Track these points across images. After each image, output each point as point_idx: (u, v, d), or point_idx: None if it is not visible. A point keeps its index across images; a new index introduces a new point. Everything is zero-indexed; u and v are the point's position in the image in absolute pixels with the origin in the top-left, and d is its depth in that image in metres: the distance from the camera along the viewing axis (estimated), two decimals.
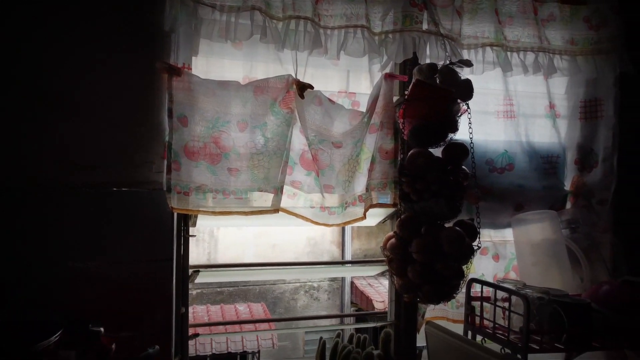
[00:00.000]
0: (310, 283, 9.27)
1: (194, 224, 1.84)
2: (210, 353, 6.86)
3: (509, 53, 1.98)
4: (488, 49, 1.96)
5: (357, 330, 1.92)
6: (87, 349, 1.27)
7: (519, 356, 1.55)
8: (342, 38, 1.78)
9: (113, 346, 1.39)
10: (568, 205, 2.13)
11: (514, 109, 2.07)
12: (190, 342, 1.78)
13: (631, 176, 2.19)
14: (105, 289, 1.62)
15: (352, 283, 9.10)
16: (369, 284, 8.81)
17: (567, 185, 2.16)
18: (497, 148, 2.07)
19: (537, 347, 1.60)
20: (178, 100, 1.64)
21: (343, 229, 9.10)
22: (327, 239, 9.00)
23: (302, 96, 1.71)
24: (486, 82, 2.03)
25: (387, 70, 1.86)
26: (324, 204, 1.83)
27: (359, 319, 5.73)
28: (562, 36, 2.05)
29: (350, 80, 1.95)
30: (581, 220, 2.07)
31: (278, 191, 1.72)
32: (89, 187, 1.63)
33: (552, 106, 2.11)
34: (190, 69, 1.71)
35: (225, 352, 6.98)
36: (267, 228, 8.55)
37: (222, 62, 1.85)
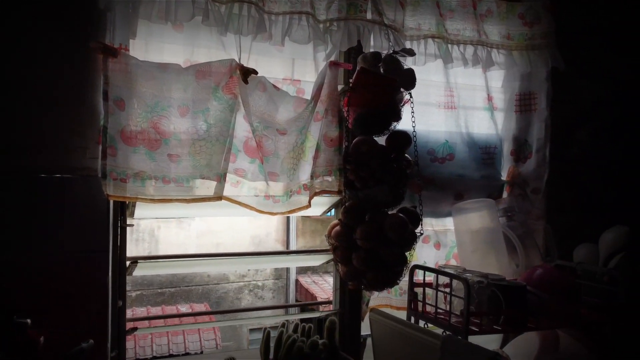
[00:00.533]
0: (254, 282, 9.18)
1: (132, 214, 1.76)
2: (151, 356, 6.64)
3: (449, 45, 2.03)
4: (430, 40, 2.00)
5: (302, 321, 1.90)
6: (11, 341, 1.17)
7: (459, 337, 1.59)
8: (287, 24, 1.76)
9: (41, 339, 1.30)
10: (505, 195, 2.22)
11: (455, 100, 2.12)
12: (130, 345, 1.70)
13: (562, 166, 2.31)
14: (35, 281, 1.52)
15: (296, 281, 9.10)
16: (314, 282, 8.84)
17: (504, 175, 2.24)
18: (438, 138, 2.12)
19: (477, 329, 1.65)
20: (114, 83, 1.56)
21: (287, 226, 9.08)
22: (272, 237, 8.95)
23: (246, 81, 1.67)
24: (428, 74, 2.07)
25: (332, 58, 1.86)
26: (269, 192, 1.80)
27: (303, 309, 5.72)
28: (499, 31, 2.13)
29: (295, 67, 1.94)
30: (517, 208, 2.16)
31: (221, 178, 1.68)
32: (17, 173, 1.52)
33: (490, 98, 2.18)
34: (128, 50, 1.63)
35: (167, 354, 6.77)
36: (210, 227, 8.39)
37: (161, 46, 1.78)
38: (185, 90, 1.64)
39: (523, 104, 2.24)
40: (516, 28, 2.15)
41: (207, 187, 1.70)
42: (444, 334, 1.65)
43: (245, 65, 1.69)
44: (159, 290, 8.32)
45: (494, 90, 2.21)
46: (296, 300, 8.66)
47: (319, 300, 7.28)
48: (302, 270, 9.36)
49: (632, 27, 2.51)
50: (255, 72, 1.68)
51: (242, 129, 1.74)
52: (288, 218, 9.09)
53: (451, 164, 2.13)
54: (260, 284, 9.19)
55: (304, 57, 1.89)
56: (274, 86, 1.76)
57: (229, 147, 1.69)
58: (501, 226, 2.08)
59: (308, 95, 1.84)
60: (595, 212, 2.32)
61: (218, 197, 1.68)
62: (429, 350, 1.54)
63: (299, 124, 1.78)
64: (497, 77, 2.24)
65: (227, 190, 1.72)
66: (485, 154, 2.20)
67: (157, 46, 1.77)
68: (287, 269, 8.96)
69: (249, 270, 8.99)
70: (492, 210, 2.07)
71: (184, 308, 7.88)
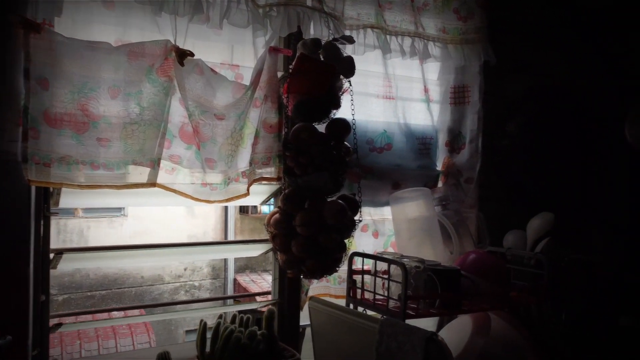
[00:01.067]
0: (191, 282, 8.95)
1: (57, 202, 1.65)
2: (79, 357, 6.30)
3: (388, 36, 2.06)
4: (369, 30, 2.02)
5: (241, 312, 1.86)
6: None
7: (397, 320, 1.61)
8: (225, 7, 1.72)
9: None
10: (440, 184, 2.28)
11: (393, 91, 2.16)
12: (57, 352, 1.59)
13: (493, 157, 2.41)
14: None
15: (234, 280, 8.98)
16: (252, 280, 8.75)
17: (439, 166, 2.31)
18: (377, 128, 2.14)
19: (414, 313, 1.68)
20: (37, 60, 1.45)
21: (225, 225, 8.93)
22: (210, 236, 8.76)
23: (182, 64, 1.61)
24: (367, 64, 2.09)
25: (272, 44, 1.83)
26: (206, 180, 1.74)
27: (241, 301, 5.62)
28: (435, 24, 2.19)
29: (234, 53, 1.89)
30: (451, 197, 2.23)
31: (155, 164, 1.60)
32: None
33: (426, 90, 2.24)
34: (52, 26, 1.52)
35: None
36: (144, 226, 8.08)
37: (90, 25, 1.67)
38: (116, 71, 1.56)
39: (457, 97, 2.31)
40: (451, 22, 2.22)
41: (139, 173, 1.63)
42: (382, 318, 1.66)
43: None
44: (89, 294, 7.92)
45: (431, 82, 2.27)
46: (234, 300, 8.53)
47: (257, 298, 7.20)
48: (240, 269, 9.24)
49: (556, 24, 2.66)
50: (192, 54, 1.62)
51: (177, 114, 1.68)
52: (226, 215, 8.94)
53: (389, 153, 2.16)
54: (197, 284, 8.98)
55: (243, 42, 1.85)
56: (212, 70, 1.71)
57: (163, 132, 1.62)
58: (436, 214, 2.14)
59: (247, 81, 1.80)
60: (523, 200, 2.44)
61: (152, 183, 1.61)
62: (367, 334, 1.55)
63: (238, 110, 1.74)
64: (433, 70, 2.30)
65: (162, 178, 1.65)
66: (421, 144, 2.25)
67: (86, 25, 1.66)
68: (225, 268, 8.81)
69: (185, 269, 8.76)
70: (428, 199, 2.12)
71: (116, 313, 7.56)
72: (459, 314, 1.84)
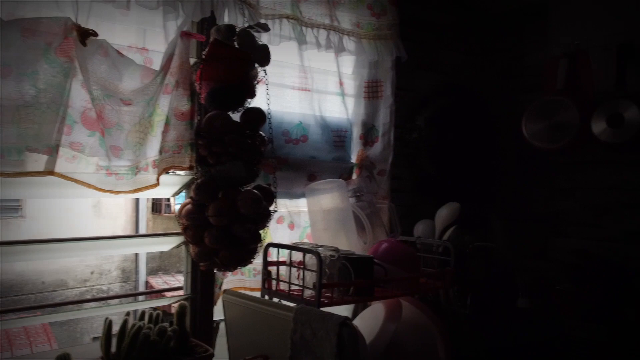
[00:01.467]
0: (98, 286, 8.46)
1: None
2: None
3: (304, 28, 2.07)
4: (285, 21, 2.01)
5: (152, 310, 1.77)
6: None
7: (311, 307, 1.61)
8: None
9: None
10: (354, 176, 2.32)
11: (309, 83, 2.16)
12: None
13: (404, 150, 2.50)
14: None
15: (147, 282, 8.63)
16: (166, 282, 8.46)
17: (354, 158, 2.35)
18: (292, 120, 2.14)
19: (328, 301, 1.69)
20: None
21: (137, 226, 8.55)
22: None
23: (84, 44, 1.50)
24: (283, 55, 2.08)
25: (185, 28, 1.76)
26: (111, 169, 1.64)
27: (152, 297, 5.38)
28: (350, 19, 2.22)
29: (143, 36, 1.80)
30: (365, 189, 2.27)
31: (53, 151, 1.48)
32: None
33: (341, 83, 2.27)
34: None
35: None
36: (45, 227, 7.49)
37: None
38: (7, 48, 1.42)
39: (371, 91, 2.37)
40: (365, 18, 2.27)
41: (35, 160, 1.50)
42: (297, 306, 1.66)
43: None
44: None
45: (345, 76, 2.30)
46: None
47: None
48: (152, 271, 8.89)
49: (459, 25, 2.81)
50: (95, 34, 1.52)
51: (79, 98, 1.56)
52: (137, 215, 8.55)
53: (305, 145, 2.17)
54: (105, 287, 8.50)
55: (153, 25, 1.76)
56: (118, 52, 1.61)
57: (62, 116, 1.50)
58: (351, 206, 2.18)
59: (157, 66, 1.72)
60: (432, 191, 2.55)
61: (49, 172, 1.49)
62: (282, 323, 1.54)
63: (147, 96, 1.65)
64: (348, 64, 2.33)
65: (62, 167, 1.53)
66: (337, 137, 2.28)
67: None
68: (136, 270, 8.43)
69: (92, 273, 8.27)
70: (342, 191, 2.15)
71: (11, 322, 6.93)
72: (372, 300, 1.89)
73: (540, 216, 2.72)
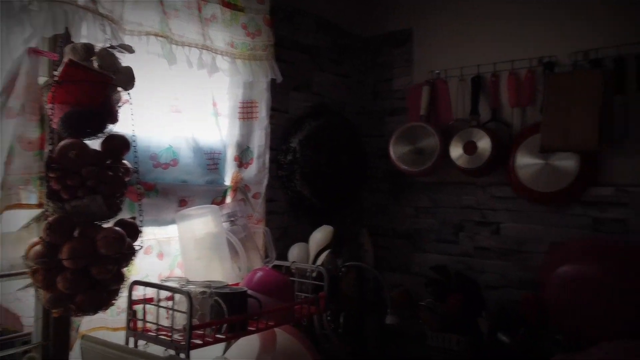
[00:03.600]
0: None
1: None
2: None
3: (174, 46, 1.94)
4: (153, 38, 1.87)
5: None
6: None
7: (182, 355, 1.53)
8: None
9: None
10: (228, 199, 2.25)
11: (180, 104, 2.05)
12: None
13: (279, 172, 2.49)
14: None
15: None
16: (17, 298, 7.52)
17: (228, 181, 2.28)
18: (161, 143, 2.01)
19: (201, 342, 1.62)
20: None
21: None
22: None
23: None
24: (152, 74, 1.94)
25: (33, 44, 1.56)
26: None
27: None
28: (223, 38, 2.14)
29: None
30: (239, 212, 2.22)
31: None
32: None
33: (215, 104, 2.18)
34: None
35: None
36: None
37: None
38: None
39: (245, 112, 2.31)
40: (239, 37, 2.21)
41: None
42: (166, 352, 1.56)
43: None
44: None
45: (219, 97, 2.22)
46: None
47: (22, 318, 6.19)
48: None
49: (334, 48, 2.88)
50: None
51: None
52: None
53: (175, 169, 2.05)
54: None
55: None
56: None
57: None
58: (225, 231, 2.11)
59: None
60: (307, 212, 2.58)
61: None
62: None
63: None
64: (222, 84, 2.25)
65: None
66: (210, 159, 2.19)
67: None
68: None
69: None
70: (215, 216, 2.08)
71: None
72: (246, 335, 1.84)
73: (405, 233, 2.90)
